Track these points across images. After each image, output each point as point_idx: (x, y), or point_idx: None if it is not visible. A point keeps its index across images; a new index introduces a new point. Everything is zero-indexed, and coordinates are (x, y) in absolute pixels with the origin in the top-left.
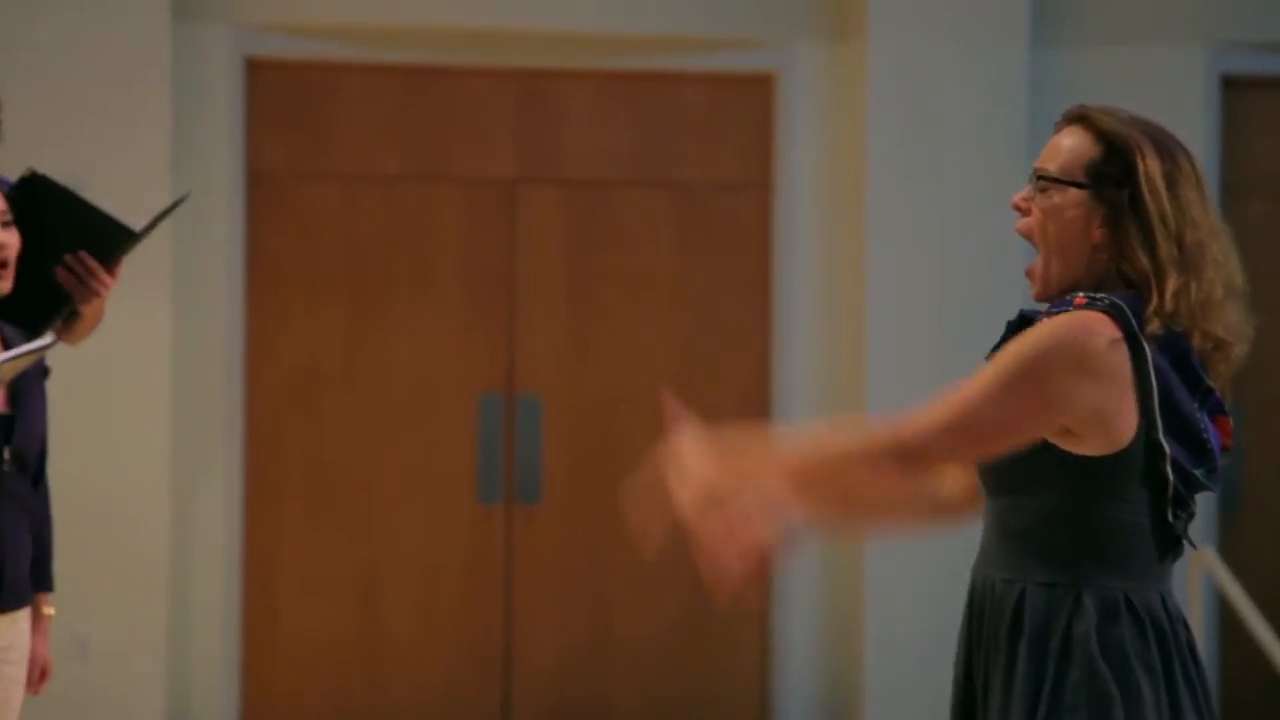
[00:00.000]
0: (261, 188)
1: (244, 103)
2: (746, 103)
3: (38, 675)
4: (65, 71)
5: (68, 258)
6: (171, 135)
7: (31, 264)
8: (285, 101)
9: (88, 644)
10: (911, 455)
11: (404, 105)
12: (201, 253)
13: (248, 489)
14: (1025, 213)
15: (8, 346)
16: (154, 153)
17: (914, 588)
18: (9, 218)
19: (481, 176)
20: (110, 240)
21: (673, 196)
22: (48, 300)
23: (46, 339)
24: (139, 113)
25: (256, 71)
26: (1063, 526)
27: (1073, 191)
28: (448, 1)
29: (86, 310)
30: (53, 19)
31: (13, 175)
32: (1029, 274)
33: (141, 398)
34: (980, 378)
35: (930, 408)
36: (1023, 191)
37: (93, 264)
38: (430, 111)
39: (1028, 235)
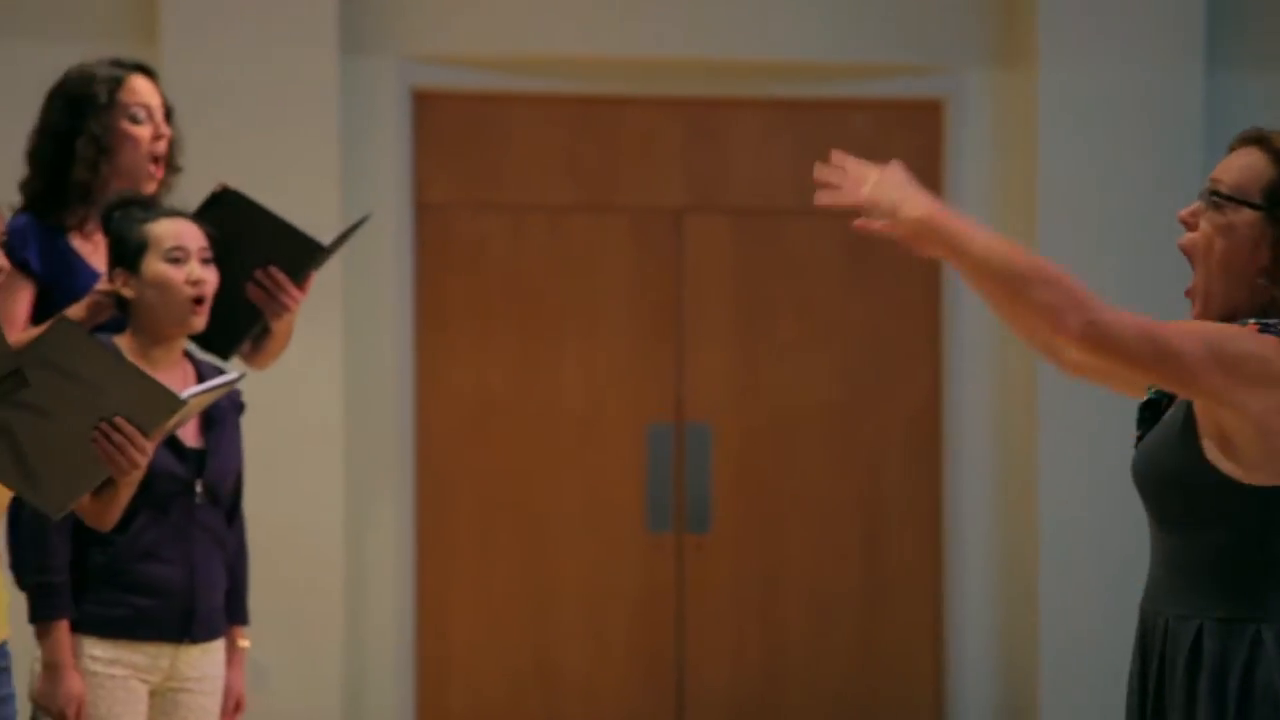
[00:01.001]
0: (429, 219)
1: (411, 134)
2: (915, 129)
3: (232, 706)
4: (238, 104)
5: (258, 273)
6: (340, 167)
7: (222, 280)
8: (452, 133)
9: (267, 673)
10: (1093, 334)
11: (571, 136)
12: (371, 284)
13: (419, 519)
14: (1191, 228)
15: (202, 379)
16: (324, 184)
17: (1090, 603)
18: (209, 255)
19: (649, 206)
20: (299, 255)
21: (840, 224)
22: (239, 317)
23: (234, 374)
24: (309, 145)
25: (423, 103)
26: (1240, 560)
27: (1246, 211)
28: (614, 32)
29: (277, 327)
30: (227, 53)
31: (189, 207)
32: (1189, 294)
33: (315, 429)
34: (1187, 324)
35: (1131, 313)
36: (1191, 206)
37: (283, 278)
38: (597, 142)
39: (1190, 251)
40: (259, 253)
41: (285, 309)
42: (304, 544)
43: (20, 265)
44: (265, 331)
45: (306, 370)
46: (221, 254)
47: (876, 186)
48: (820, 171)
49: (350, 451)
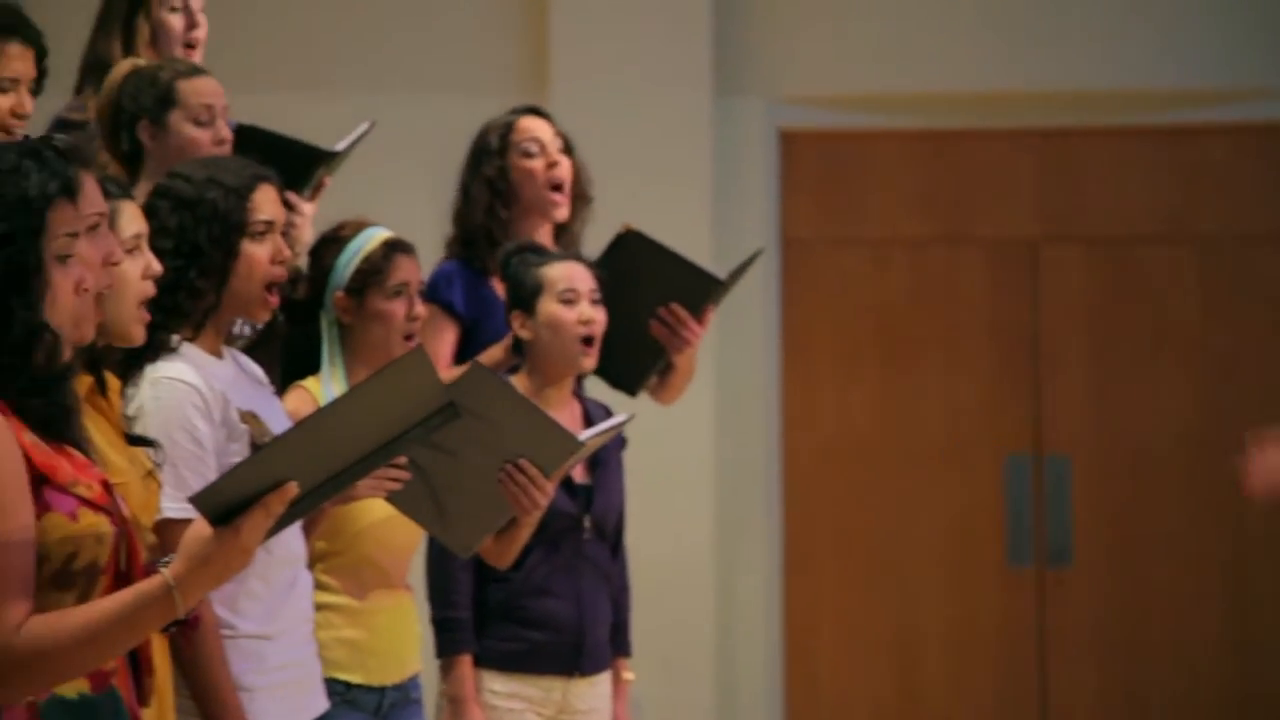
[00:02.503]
0: (794, 255)
1: (778, 172)
2: (1270, 153)
3: None
4: (619, 145)
5: (660, 310)
6: (711, 205)
7: (623, 319)
8: (816, 170)
9: (641, 706)
10: None
11: (929, 170)
12: (740, 319)
13: (786, 553)
14: None
15: (589, 419)
16: (694, 222)
17: None
18: (598, 295)
19: (1005, 237)
20: (699, 290)
21: (1196, 251)
22: (644, 354)
23: (624, 416)
24: (682, 183)
25: (789, 142)
26: None
27: None
28: (969, 67)
29: (679, 362)
30: (610, 98)
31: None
32: None
33: (687, 466)
34: None
35: None
36: None
37: (684, 314)
38: (954, 175)
39: None
40: (661, 290)
41: (687, 344)
42: (675, 578)
43: (445, 307)
44: (669, 367)
45: (678, 406)
46: (626, 293)
47: None
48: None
49: (720, 486)
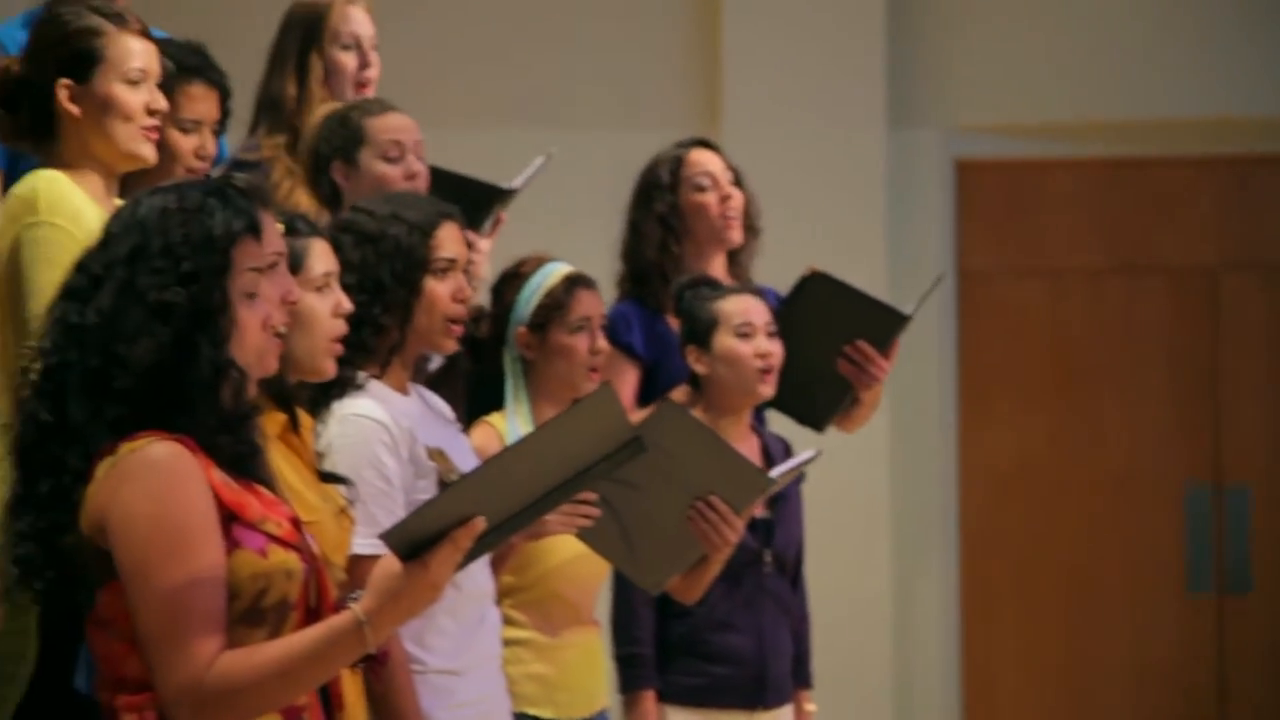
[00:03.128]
0: (971, 286)
1: (954, 203)
2: None
3: None
4: (792, 179)
5: (847, 348)
6: (885, 236)
7: (810, 358)
8: (993, 200)
9: None
10: None
11: (1107, 198)
12: (915, 352)
13: (963, 584)
14: None
15: (767, 455)
16: (870, 254)
17: None
18: (774, 329)
19: (1184, 266)
20: (884, 326)
21: None
22: (831, 391)
23: (811, 452)
24: (855, 216)
25: (965, 172)
26: None
27: None
28: (1147, 94)
29: (866, 398)
30: (783, 131)
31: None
32: None
33: (863, 498)
34: None
35: None
36: None
37: (871, 351)
38: (1132, 203)
39: None
40: (847, 328)
41: (875, 380)
42: (853, 611)
43: (624, 349)
44: (855, 402)
45: (854, 438)
46: (812, 332)
47: None
48: None
49: (897, 518)
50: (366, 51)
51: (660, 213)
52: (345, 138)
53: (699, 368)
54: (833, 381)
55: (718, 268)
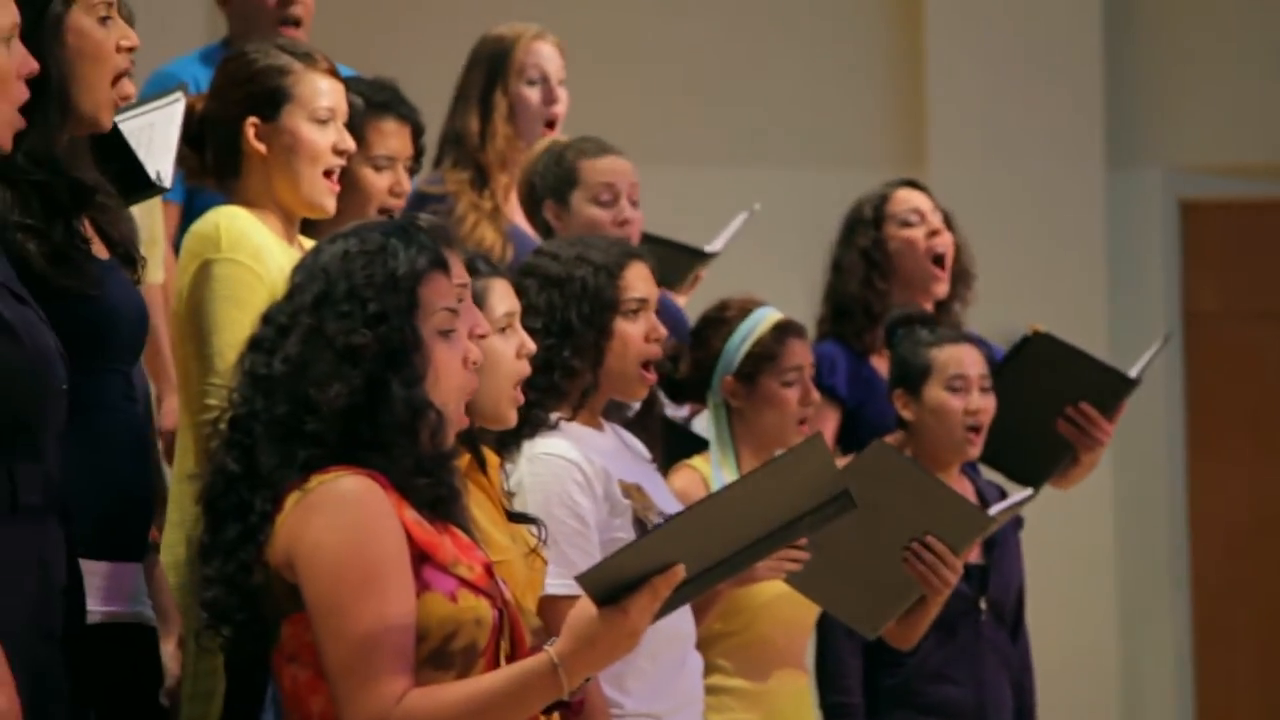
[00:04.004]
0: (1198, 330)
1: (1179, 245)
2: None
3: None
4: (1002, 219)
5: (1069, 409)
6: (1107, 281)
7: (1029, 417)
8: (1219, 241)
9: None
10: None
11: None
12: (1141, 397)
13: (1196, 639)
14: None
15: (981, 499)
16: (1090, 298)
17: None
18: (988, 384)
19: None
20: (1109, 389)
21: None
22: (1050, 451)
23: (1028, 492)
24: (1073, 257)
25: (1190, 213)
26: None
27: None
28: None
29: (1086, 459)
30: (991, 171)
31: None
32: None
33: (1087, 546)
34: None
35: None
36: None
37: (1094, 414)
38: None
39: None
40: (1070, 389)
41: (1097, 444)
42: (1078, 662)
43: (826, 391)
44: (1074, 462)
45: (1077, 487)
46: (1033, 391)
47: None
48: None
49: (1123, 566)
50: (553, 87)
51: (863, 247)
52: (559, 177)
53: (906, 414)
54: (1052, 442)
55: None
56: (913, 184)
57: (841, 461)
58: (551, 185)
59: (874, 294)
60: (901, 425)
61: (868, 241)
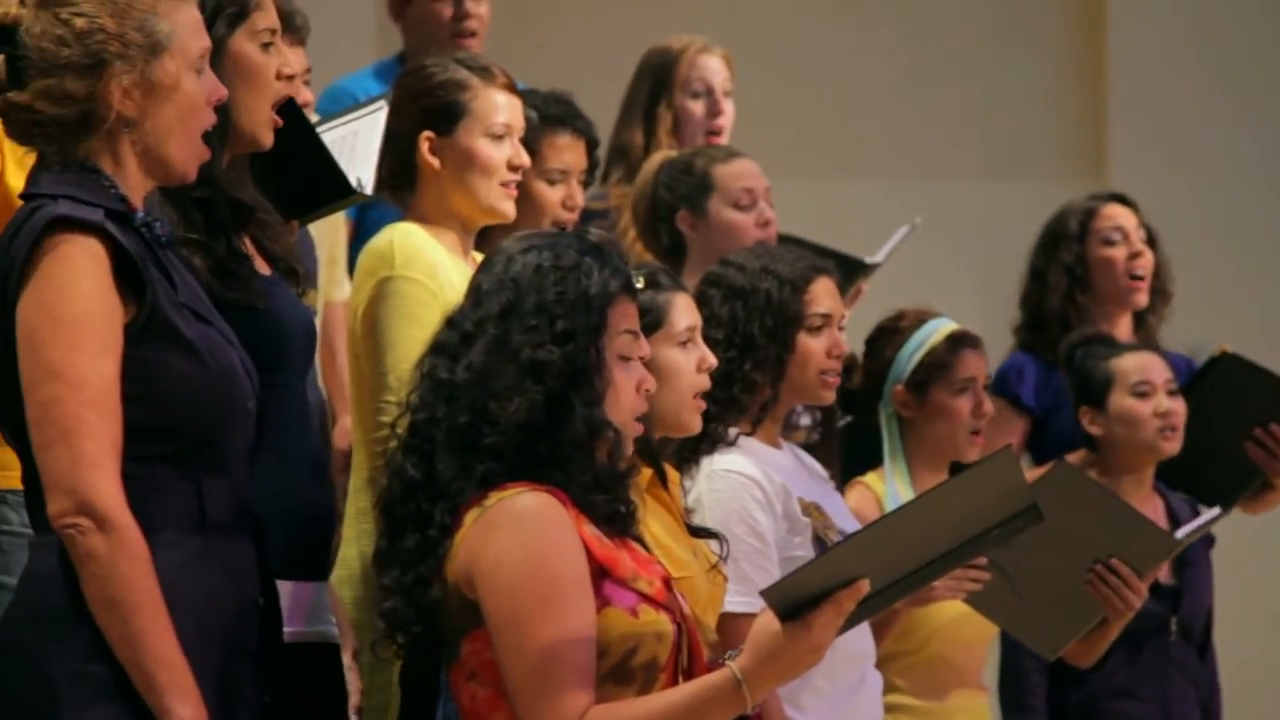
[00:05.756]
0: None
1: None
2: None
3: None
4: (1181, 233)
5: (1257, 431)
6: None
7: (1217, 439)
8: None
9: None
10: None
11: None
12: None
13: None
14: None
15: (1173, 516)
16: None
17: None
18: (1174, 387)
19: None
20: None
21: None
22: (1235, 474)
23: (1215, 511)
24: (1264, 273)
25: None
26: None
27: None
28: None
29: (1278, 482)
30: (1171, 184)
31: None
32: None
33: (1277, 562)
34: None
35: None
36: None
37: None
38: None
39: None
40: (1259, 411)
41: None
42: (1269, 682)
43: (1012, 401)
44: (1265, 486)
45: None
46: (1220, 413)
47: None
48: None
49: None
50: (718, 99)
51: (1066, 262)
52: (691, 186)
53: (1093, 429)
54: (1239, 464)
55: (1123, 330)
56: (1123, 200)
57: (1028, 475)
58: (684, 194)
59: (1075, 308)
60: (1088, 444)
61: (1071, 257)
